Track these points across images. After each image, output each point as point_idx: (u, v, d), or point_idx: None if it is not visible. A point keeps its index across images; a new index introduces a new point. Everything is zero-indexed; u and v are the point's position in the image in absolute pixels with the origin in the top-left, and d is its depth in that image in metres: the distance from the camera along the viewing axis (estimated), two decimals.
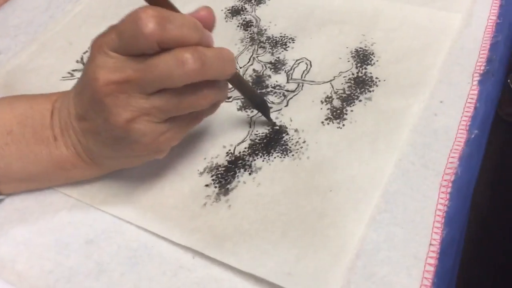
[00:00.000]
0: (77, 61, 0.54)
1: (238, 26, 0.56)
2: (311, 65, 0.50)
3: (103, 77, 0.32)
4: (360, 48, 0.51)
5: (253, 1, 0.59)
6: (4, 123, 0.38)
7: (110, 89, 0.32)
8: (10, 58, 0.55)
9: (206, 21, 0.34)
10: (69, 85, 0.51)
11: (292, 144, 0.43)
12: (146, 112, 0.33)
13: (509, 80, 1.28)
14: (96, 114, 0.34)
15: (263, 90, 0.48)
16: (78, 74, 0.53)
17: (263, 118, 0.45)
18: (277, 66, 0.51)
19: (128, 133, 0.34)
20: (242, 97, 0.48)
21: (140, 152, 0.37)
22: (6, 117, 0.39)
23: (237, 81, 0.40)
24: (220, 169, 0.43)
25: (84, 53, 0.55)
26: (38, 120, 0.38)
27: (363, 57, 0.50)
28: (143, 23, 0.30)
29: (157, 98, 0.33)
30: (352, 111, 0.45)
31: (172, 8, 0.33)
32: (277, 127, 0.45)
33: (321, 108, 0.46)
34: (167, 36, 0.31)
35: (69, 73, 0.53)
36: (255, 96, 0.44)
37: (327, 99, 0.47)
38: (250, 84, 0.49)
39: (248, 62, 0.52)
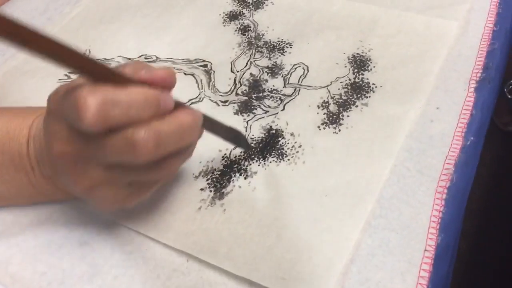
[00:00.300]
0: None
1: (236, 30, 0.56)
2: (308, 70, 0.50)
3: (57, 148, 0.31)
4: (357, 54, 0.51)
5: (251, 6, 0.59)
6: None
7: (66, 160, 0.31)
8: (7, 59, 0.55)
9: (165, 83, 0.31)
10: None
11: (288, 149, 0.43)
12: (105, 181, 0.32)
13: (505, 89, 1.29)
14: (59, 175, 0.34)
15: (260, 94, 0.48)
16: (75, 77, 0.52)
17: (259, 122, 0.45)
18: (274, 70, 0.51)
19: (91, 198, 0.33)
20: (239, 101, 0.48)
21: (107, 209, 0.36)
22: None
23: (207, 126, 0.36)
24: (215, 173, 0.42)
25: None
26: (15, 148, 0.37)
27: (360, 63, 0.50)
28: (83, 113, 0.27)
29: (116, 170, 0.31)
30: (348, 116, 0.45)
31: (119, 79, 0.29)
32: (273, 131, 0.45)
33: (318, 113, 0.46)
34: (112, 122, 0.28)
35: (65, 75, 0.53)
36: (228, 130, 0.40)
37: (323, 104, 0.47)
38: (244, 91, 0.49)
39: (246, 66, 0.52)
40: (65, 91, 0.30)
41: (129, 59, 0.54)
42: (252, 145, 0.44)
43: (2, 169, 0.37)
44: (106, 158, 0.30)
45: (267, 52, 0.53)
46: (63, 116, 0.30)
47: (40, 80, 0.52)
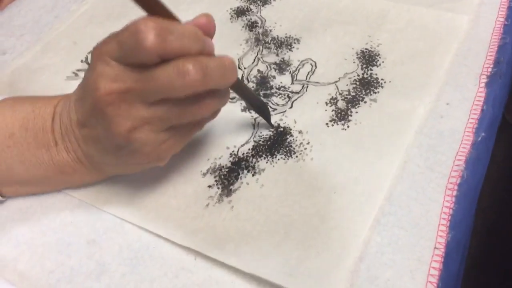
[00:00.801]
0: (82, 61, 0.54)
1: (243, 26, 0.56)
2: (316, 66, 0.50)
3: (104, 86, 0.32)
4: (366, 49, 0.51)
5: (258, 1, 0.59)
6: (6, 126, 0.38)
7: (111, 99, 0.32)
8: (15, 57, 0.55)
9: (207, 29, 0.33)
10: (73, 84, 0.51)
11: (296, 146, 0.43)
12: (147, 121, 0.33)
13: None
14: (97, 122, 0.34)
15: (268, 91, 0.48)
16: (82, 74, 0.52)
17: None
18: (282, 67, 0.50)
19: (129, 142, 0.34)
20: None
21: (141, 160, 0.36)
22: (8, 120, 0.38)
23: (238, 86, 0.40)
24: (223, 170, 0.42)
25: (89, 53, 0.55)
26: (40, 124, 0.38)
27: (368, 58, 0.50)
28: (143, 35, 0.29)
29: (159, 107, 0.33)
30: (357, 112, 0.45)
31: (172, 17, 0.32)
32: (281, 129, 0.45)
33: (326, 110, 0.46)
34: (168, 48, 0.30)
35: (73, 72, 0.53)
36: (255, 99, 0.43)
37: (331, 101, 0.46)
38: (251, 87, 0.49)
39: (253, 62, 0.51)
40: (114, 34, 0.32)
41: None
42: (260, 142, 0.44)
43: (24, 146, 0.38)
44: (155, 90, 0.32)
45: (275, 48, 0.53)
46: (119, 45, 0.31)
47: (49, 78, 0.52)
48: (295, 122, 0.45)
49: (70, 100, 0.38)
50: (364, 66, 0.49)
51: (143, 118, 0.33)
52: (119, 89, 0.32)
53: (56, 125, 0.38)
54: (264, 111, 0.44)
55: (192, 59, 0.31)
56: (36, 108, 0.39)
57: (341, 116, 0.45)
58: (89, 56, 0.54)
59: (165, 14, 0.32)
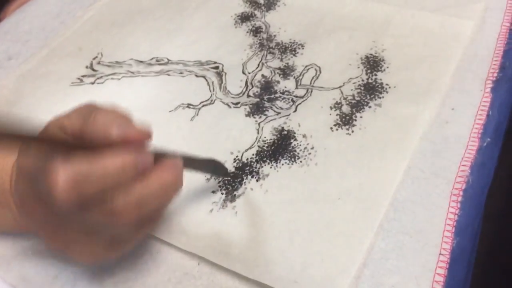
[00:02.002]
0: (87, 67, 0.54)
1: (247, 32, 0.56)
2: (320, 71, 0.50)
3: (28, 208, 0.31)
4: (370, 54, 0.51)
5: (262, 7, 0.59)
6: None
7: (37, 219, 0.31)
8: (20, 63, 0.56)
9: (141, 139, 0.30)
10: (78, 90, 0.52)
11: (300, 150, 0.43)
12: (82, 239, 0.31)
13: None
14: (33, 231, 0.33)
15: (272, 96, 0.48)
16: (87, 80, 0.53)
17: (271, 123, 0.45)
18: (286, 72, 0.50)
19: (67, 254, 0.33)
20: (250, 102, 0.47)
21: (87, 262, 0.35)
22: None
23: (187, 164, 0.34)
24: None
25: (94, 58, 0.55)
26: (1, 184, 0.35)
27: (373, 64, 0.50)
28: (56, 191, 0.26)
29: (95, 230, 0.30)
30: (361, 117, 0.45)
31: (94, 146, 0.28)
32: (285, 132, 0.44)
33: (330, 114, 0.45)
34: (87, 197, 0.27)
35: (78, 78, 0.53)
36: (207, 162, 0.41)
37: (336, 105, 0.46)
38: (256, 92, 0.48)
39: (257, 67, 0.51)
40: (35, 157, 0.28)
41: (141, 61, 0.54)
42: (264, 147, 0.44)
43: None
44: (83, 227, 0.29)
45: (279, 53, 0.53)
46: (34, 186, 0.28)
47: (53, 84, 0.53)
48: (299, 126, 0.45)
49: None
50: (369, 71, 0.49)
51: (77, 237, 0.31)
52: (44, 214, 0.30)
53: (14, 191, 0.34)
54: (220, 169, 0.42)
55: (121, 194, 0.28)
56: None
57: (346, 120, 0.45)
58: (94, 62, 0.55)
59: (87, 144, 0.28)
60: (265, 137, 0.44)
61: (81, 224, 0.29)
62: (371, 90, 0.47)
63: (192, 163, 0.37)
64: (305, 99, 0.47)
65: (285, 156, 0.43)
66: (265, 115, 0.46)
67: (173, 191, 0.31)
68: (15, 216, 0.35)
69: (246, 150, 0.44)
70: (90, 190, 0.27)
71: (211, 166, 0.41)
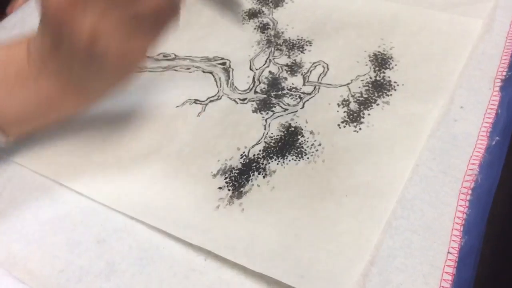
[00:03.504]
0: None
1: (255, 28, 0.56)
2: (328, 68, 0.50)
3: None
4: (379, 52, 0.50)
5: (270, 4, 0.59)
6: None
7: (64, 4, 0.33)
8: None
9: None
10: None
11: (308, 147, 0.43)
12: (106, 13, 0.33)
13: None
14: (58, 33, 0.34)
15: (279, 92, 0.48)
16: None
17: (278, 120, 0.45)
18: (293, 68, 0.50)
19: (96, 43, 0.34)
20: (257, 99, 0.47)
21: (114, 63, 0.36)
22: None
23: None
24: (233, 171, 0.42)
25: None
26: (19, 62, 0.38)
27: (381, 61, 0.49)
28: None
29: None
30: (369, 114, 0.45)
31: None
32: (292, 129, 0.44)
33: (338, 111, 0.45)
34: None
35: None
36: None
37: (344, 102, 0.46)
38: (263, 88, 0.49)
39: (265, 64, 0.51)
40: None
41: (148, 57, 0.54)
42: (271, 143, 0.43)
43: (9, 85, 0.39)
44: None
45: (287, 50, 0.52)
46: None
47: None
48: (307, 122, 0.45)
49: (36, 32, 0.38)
50: (377, 68, 0.49)
51: (102, 11, 0.33)
52: None
53: (32, 52, 0.38)
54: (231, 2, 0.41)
55: None
56: (11, 51, 0.39)
57: (353, 117, 0.44)
58: None
59: None
60: (272, 133, 0.44)
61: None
62: (379, 88, 0.47)
63: None
64: (313, 96, 0.47)
65: (292, 152, 0.43)
66: (272, 111, 0.46)
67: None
68: (36, 89, 0.38)
69: (253, 146, 0.43)
70: None
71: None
